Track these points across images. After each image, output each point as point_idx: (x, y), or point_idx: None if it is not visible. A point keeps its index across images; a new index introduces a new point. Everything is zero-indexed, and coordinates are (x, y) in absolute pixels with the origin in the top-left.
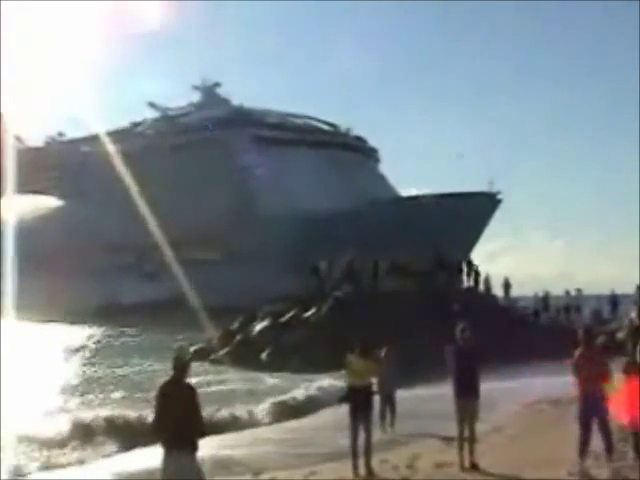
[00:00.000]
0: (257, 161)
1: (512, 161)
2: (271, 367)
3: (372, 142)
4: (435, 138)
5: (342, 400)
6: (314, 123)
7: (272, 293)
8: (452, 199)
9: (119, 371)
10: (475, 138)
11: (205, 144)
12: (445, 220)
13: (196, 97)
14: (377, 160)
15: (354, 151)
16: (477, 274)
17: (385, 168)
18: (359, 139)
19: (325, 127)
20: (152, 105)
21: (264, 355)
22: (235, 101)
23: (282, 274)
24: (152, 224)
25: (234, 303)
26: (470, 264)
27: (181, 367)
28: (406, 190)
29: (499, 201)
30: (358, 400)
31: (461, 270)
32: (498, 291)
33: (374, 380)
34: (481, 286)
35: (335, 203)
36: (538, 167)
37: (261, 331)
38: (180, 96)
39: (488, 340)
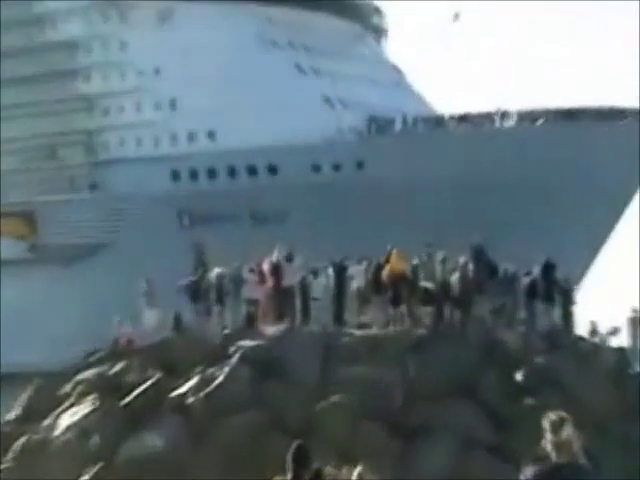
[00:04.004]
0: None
1: None
2: None
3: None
4: None
5: None
6: None
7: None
8: (552, 124)
9: None
10: None
11: None
12: (545, 170)
13: None
14: (383, 34)
15: (334, 11)
16: (568, 298)
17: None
18: None
19: None
20: None
21: None
22: None
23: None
24: None
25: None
26: (549, 271)
27: None
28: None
29: None
30: None
31: (534, 289)
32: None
33: None
34: (579, 328)
35: (286, 130)
36: None
37: (74, 426)
38: None
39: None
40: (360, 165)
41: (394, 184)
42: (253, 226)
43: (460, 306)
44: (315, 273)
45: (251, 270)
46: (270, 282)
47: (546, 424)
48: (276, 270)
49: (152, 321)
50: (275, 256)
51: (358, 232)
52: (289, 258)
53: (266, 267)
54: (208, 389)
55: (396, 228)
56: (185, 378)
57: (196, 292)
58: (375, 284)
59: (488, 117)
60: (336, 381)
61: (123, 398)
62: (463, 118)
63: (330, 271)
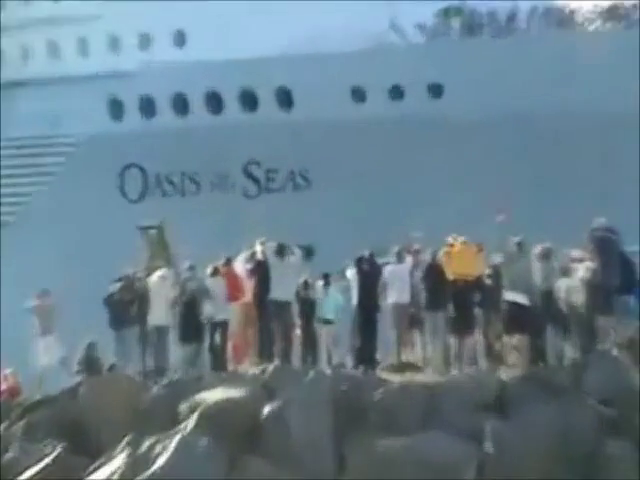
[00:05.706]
0: None
1: None
2: None
3: None
4: None
5: None
6: None
7: None
8: None
9: None
10: None
11: None
12: None
13: None
14: None
15: None
16: None
17: None
18: None
19: None
20: None
21: None
22: None
23: None
24: None
25: None
26: None
27: None
28: None
29: None
30: None
31: None
32: None
33: None
34: None
35: (307, 32)
36: None
37: None
38: None
39: None
40: (435, 90)
41: (491, 121)
42: (250, 194)
43: (574, 334)
44: (326, 277)
45: (214, 272)
46: (249, 293)
47: None
48: (260, 272)
49: (48, 357)
50: (258, 248)
51: (429, 203)
52: (281, 251)
53: (241, 267)
54: (145, 474)
55: (491, 195)
56: (106, 455)
57: (122, 309)
58: (428, 296)
59: None
60: (362, 461)
61: None
62: (611, 13)
63: (351, 273)
